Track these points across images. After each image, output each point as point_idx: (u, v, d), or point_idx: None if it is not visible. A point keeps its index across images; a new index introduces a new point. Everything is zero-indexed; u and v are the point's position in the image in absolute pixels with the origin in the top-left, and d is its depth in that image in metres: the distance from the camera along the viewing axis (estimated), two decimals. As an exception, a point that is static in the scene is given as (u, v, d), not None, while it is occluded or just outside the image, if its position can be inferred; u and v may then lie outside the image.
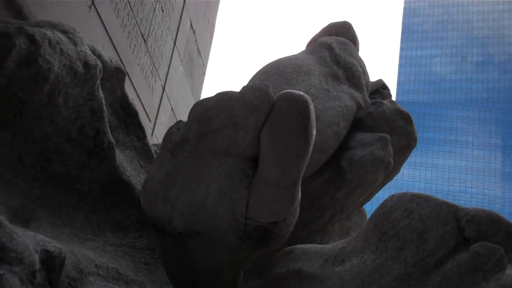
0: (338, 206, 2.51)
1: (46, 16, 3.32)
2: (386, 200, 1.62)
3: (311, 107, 1.25)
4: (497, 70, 73.24)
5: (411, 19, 78.97)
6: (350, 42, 2.94)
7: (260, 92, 1.28)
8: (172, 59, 6.09)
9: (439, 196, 1.52)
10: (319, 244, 2.50)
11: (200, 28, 6.97)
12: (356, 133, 2.57)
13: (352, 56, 2.78)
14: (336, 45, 2.73)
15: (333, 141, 2.37)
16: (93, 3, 3.92)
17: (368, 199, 2.73)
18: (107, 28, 4.08)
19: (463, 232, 1.43)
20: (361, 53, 3.05)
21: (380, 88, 4.40)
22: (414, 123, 2.73)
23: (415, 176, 68.43)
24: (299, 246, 1.94)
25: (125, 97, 2.28)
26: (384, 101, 2.71)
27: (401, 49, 78.24)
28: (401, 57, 78.02)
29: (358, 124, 2.61)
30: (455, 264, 1.38)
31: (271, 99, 1.29)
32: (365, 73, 2.85)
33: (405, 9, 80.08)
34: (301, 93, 1.27)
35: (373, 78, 3.52)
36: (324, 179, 2.48)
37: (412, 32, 78.23)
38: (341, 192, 2.48)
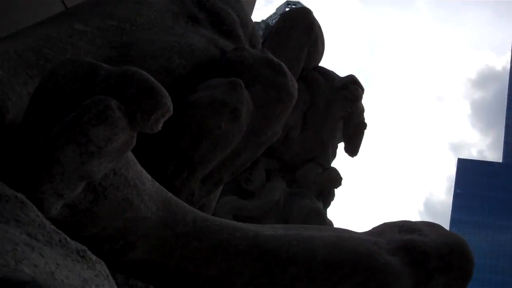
0: (183, 159, 2.21)
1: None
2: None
3: None
4: None
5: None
6: (238, -4, 2.66)
7: None
8: None
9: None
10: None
11: None
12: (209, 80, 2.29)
13: (228, 4, 2.51)
14: (207, -10, 2.48)
15: (160, 77, 2.08)
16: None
17: (237, 161, 2.41)
18: None
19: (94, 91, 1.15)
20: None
21: (349, 83, 4.05)
22: (289, 77, 2.40)
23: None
24: None
25: None
26: (251, 49, 2.41)
27: None
28: None
29: (217, 71, 2.33)
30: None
31: None
32: (245, 24, 2.56)
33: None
34: None
35: None
36: (165, 126, 2.20)
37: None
38: (183, 141, 2.19)
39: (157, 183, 1.51)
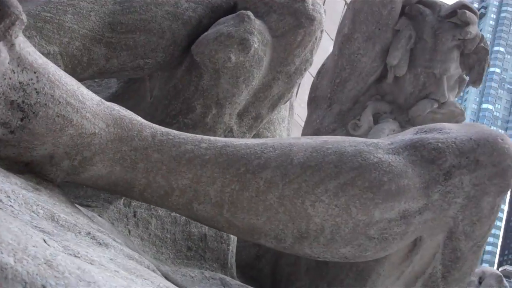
0: (209, 97, 2.35)
1: None
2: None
3: None
4: None
5: None
6: None
7: None
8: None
9: None
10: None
11: None
12: (225, 19, 2.38)
13: None
14: None
15: (167, 22, 2.26)
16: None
17: (269, 93, 2.46)
18: None
19: None
20: None
21: (458, 8, 3.77)
22: (309, 1, 2.38)
23: None
24: None
25: None
26: (265, -18, 2.42)
27: None
28: None
29: (235, 10, 2.42)
30: None
31: None
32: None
33: None
34: None
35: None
36: (185, 68, 2.37)
37: None
38: (204, 80, 2.33)
39: (107, 103, 1.67)
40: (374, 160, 1.81)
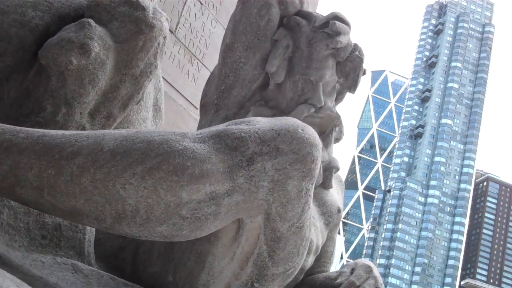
0: (58, 97, 2.56)
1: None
2: None
3: None
4: None
5: None
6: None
7: None
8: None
9: None
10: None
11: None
12: (73, 26, 2.60)
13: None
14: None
15: (15, 29, 2.48)
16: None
17: (118, 94, 2.69)
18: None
19: None
20: None
21: (330, 19, 4.06)
22: (150, 10, 2.62)
23: None
24: None
25: None
26: (109, -8, 2.66)
27: None
28: None
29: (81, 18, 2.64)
30: None
31: None
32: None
33: None
34: None
35: None
36: (35, 71, 2.58)
37: None
38: (52, 81, 2.54)
39: None
40: (179, 148, 2.02)
